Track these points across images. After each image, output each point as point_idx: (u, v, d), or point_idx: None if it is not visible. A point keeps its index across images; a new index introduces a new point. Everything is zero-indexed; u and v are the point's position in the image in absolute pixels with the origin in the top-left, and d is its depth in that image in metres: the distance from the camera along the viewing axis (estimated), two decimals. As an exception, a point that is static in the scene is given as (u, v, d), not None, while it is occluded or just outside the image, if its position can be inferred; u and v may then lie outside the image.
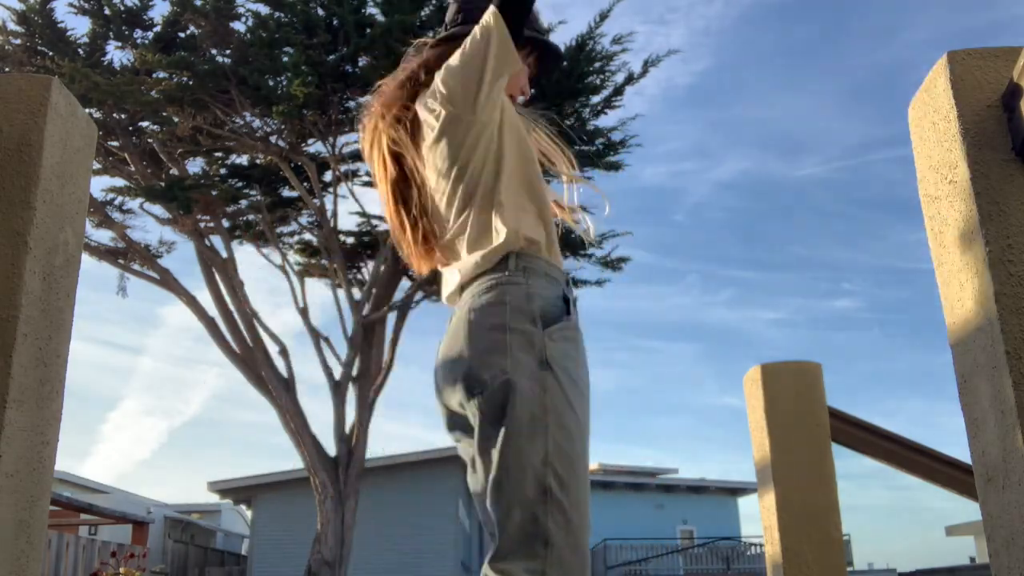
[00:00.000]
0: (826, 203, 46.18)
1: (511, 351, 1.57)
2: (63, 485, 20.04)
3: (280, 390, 12.64)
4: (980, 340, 1.43)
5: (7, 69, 11.42)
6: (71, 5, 11.61)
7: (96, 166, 12.20)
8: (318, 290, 33.22)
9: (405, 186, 1.80)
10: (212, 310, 13.09)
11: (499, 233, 1.68)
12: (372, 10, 11.78)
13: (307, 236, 13.94)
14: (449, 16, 1.91)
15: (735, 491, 29.95)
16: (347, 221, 30.32)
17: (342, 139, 12.40)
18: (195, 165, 13.08)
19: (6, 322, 1.46)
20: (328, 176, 13.01)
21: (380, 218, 13.68)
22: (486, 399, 1.55)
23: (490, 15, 1.62)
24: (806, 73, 46.81)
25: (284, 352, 12.85)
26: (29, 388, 1.50)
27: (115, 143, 12.38)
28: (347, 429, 12.69)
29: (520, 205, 1.72)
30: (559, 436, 1.52)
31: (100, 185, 12.95)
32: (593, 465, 30.05)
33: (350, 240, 13.86)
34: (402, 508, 20.19)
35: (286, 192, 13.31)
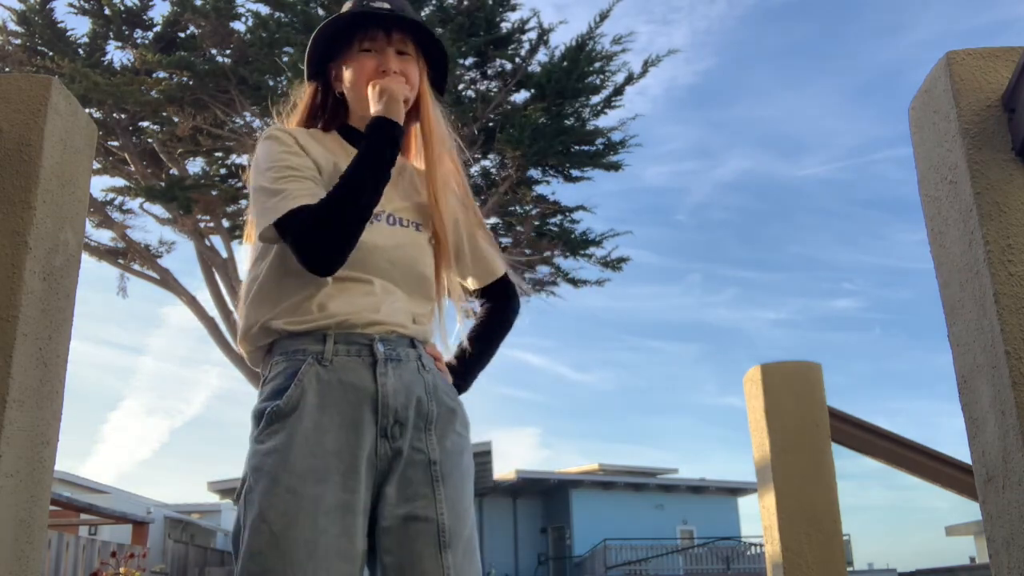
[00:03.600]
0: (828, 203, 46.26)
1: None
2: (63, 485, 20.03)
3: (280, 390, 12.63)
4: (980, 340, 1.43)
5: (7, 69, 11.43)
6: (71, 5, 11.62)
7: (96, 166, 12.20)
8: (318, 290, 33.09)
9: None
10: (212, 310, 13.10)
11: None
12: (372, 10, 11.78)
13: (307, 236, 13.93)
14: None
15: (735, 491, 29.95)
16: (347, 221, 30.29)
17: (342, 139, 12.39)
18: (195, 165, 13.10)
19: (6, 322, 1.46)
20: (328, 176, 13.01)
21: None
22: None
23: None
24: (808, 73, 46.88)
25: (284, 352, 12.84)
26: (29, 388, 1.50)
27: (115, 143, 12.38)
28: (347, 429, 12.69)
29: None
30: None
31: (100, 185, 12.98)
32: (593, 465, 30.07)
33: (350, 240, 13.85)
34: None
35: (286, 192, 13.30)
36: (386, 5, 1.62)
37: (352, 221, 1.46)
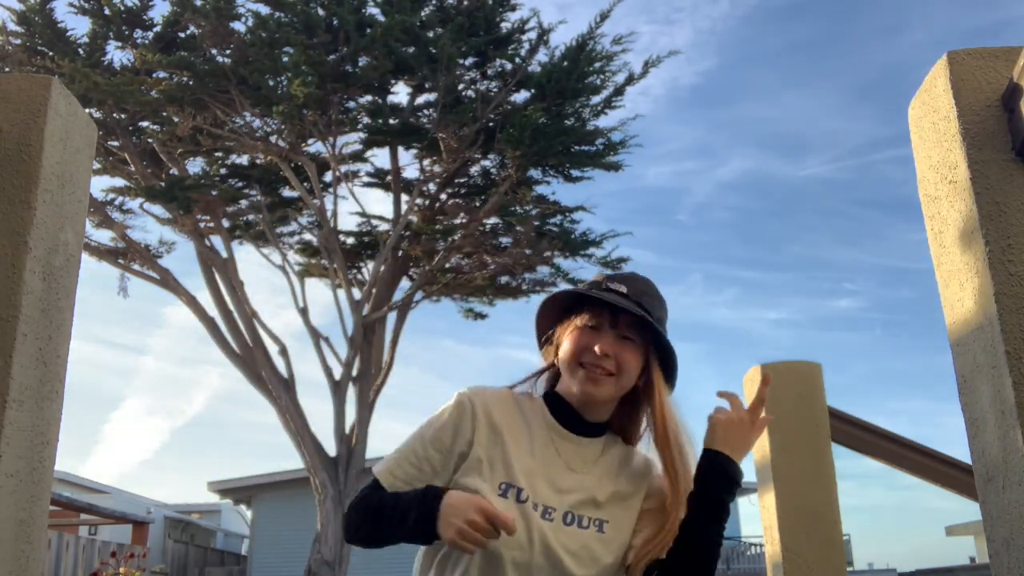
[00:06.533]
0: (829, 203, 46.25)
1: None
2: (63, 485, 20.03)
3: (280, 390, 12.64)
4: (980, 340, 1.42)
5: (7, 69, 11.42)
6: (71, 5, 11.61)
7: (96, 166, 12.20)
8: (318, 290, 33.22)
9: None
10: (212, 310, 13.10)
11: None
12: (372, 10, 11.78)
13: (307, 236, 13.95)
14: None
15: (735, 491, 29.92)
16: (347, 221, 30.33)
17: (342, 139, 12.41)
18: (195, 165, 13.09)
19: (6, 322, 1.46)
20: (328, 176, 13.01)
21: (380, 218, 13.73)
22: None
23: None
24: (810, 73, 46.92)
25: (284, 352, 12.85)
26: (29, 388, 1.50)
27: (115, 143, 12.37)
28: (347, 429, 12.69)
29: None
30: None
31: (100, 185, 12.98)
32: (593, 465, 30.03)
33: (350, 240, 13.87)
34: (402, 508, 20.15)
35: (286, 192, 13.31)
36: (623, 288, 1.55)
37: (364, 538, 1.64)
